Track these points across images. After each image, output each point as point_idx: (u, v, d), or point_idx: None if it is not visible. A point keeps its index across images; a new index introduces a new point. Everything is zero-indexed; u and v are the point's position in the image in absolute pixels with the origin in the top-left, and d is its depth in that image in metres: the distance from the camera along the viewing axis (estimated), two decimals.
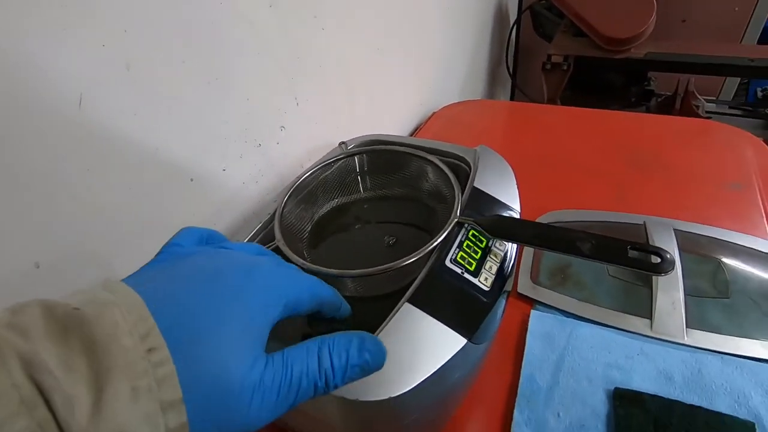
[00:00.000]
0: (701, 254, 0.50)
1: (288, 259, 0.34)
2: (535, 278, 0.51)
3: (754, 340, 0.41)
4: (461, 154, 0.45)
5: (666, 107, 1.16)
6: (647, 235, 0.51)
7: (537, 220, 0.58)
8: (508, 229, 0.34)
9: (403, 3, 0.75)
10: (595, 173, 0.69)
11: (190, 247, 0.23)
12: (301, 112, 0.54)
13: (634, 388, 0.39)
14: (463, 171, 0.44)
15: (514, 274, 0.39)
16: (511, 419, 0.38)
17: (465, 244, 0.34)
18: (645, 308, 0.45)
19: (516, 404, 0.39)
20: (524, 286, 0.50)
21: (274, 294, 0.21)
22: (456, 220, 0.35)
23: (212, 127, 0.42)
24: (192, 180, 0.41)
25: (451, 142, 0.47)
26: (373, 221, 0.46)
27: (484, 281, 0.32)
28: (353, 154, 0.45)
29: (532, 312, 0.47)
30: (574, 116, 0.88)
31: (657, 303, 0.44)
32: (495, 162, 0.44)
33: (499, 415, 0.39)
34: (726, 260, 0.49)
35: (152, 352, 0.16)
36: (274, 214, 0.40)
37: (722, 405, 0.37)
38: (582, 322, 0.45)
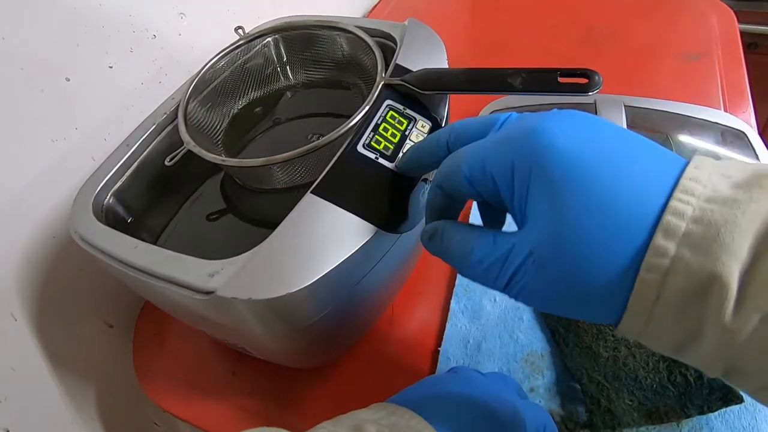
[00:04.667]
0: (650, 129, 0.47)
1: (206, 162, 0.30)
2: None
3: None
4: (386, 30, 0.39)
5: None
6: (596, 112, 0.48)
7: (484, 109, 0.54)
8: (439, 80, 0.31)
9: None
10: (549, 55, 0.64)
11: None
12: None
13: None
14: (389, 49, 0.38)
15: None
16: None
17: (382, 128, 0.30)
18: None
19: (453, 293, 0.38)
20: None
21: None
22: (382, 83, 0.31)
23: (75, 11, 0.34)
24: (68, 79, 0.35)
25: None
26: (295, 116, 0.41)
27: None
28: (253, 39, 0.39)
29: (474, 204, 0.44)
30: None
31: None
32: (424, 36, 0.38)
33: (438, 307, 0.39)
34: (673, 133, 0.46)
35: None
36: (176, 114, 0.35)
37: None
38: None
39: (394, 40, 0.38)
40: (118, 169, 0.32)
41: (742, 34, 0.91)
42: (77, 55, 0.35)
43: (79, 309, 0.40)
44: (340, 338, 0.34)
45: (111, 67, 0.38)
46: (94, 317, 0.42)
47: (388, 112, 0.31)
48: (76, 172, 0.37)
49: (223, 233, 0.35)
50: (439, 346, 0.36)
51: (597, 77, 0.29)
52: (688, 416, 0.30)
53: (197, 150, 0.31)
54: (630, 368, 0.32)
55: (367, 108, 0.30)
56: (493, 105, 0.54)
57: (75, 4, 0.34)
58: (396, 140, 0.30)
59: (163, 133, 0.35)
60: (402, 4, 0.80)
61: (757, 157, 0.43)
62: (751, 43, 0.92)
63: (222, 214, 0.36)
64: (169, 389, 0.38)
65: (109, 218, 0.31)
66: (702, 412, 0.29)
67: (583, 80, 0.29)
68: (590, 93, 0.28)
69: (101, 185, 0.30)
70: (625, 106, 0.48)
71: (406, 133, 0.31)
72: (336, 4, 0.73)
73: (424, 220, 0.26)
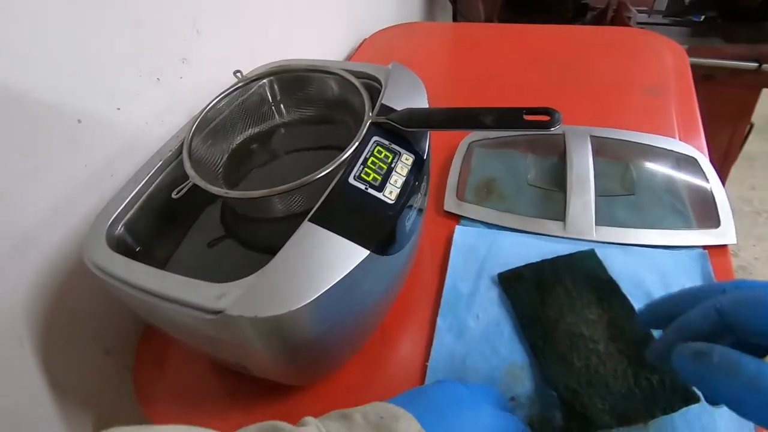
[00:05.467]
0: (613, 157, 0.52)
1: (206, 193, 0.33)
2: (461, 196, 0.52)
3: (654, 230, 0.44)
4: (372, 73, 0.43)
5: (600, 20, 1.16)
6: (565, 143, 0.52)
7: (463, 140, 0.58)
8: (420, 119, 0.36)
9: None
10: (524, 90, 0.69)
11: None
12: (205, 41, 0.50)
13: None
14: (375, 90, 0.42)
15: (427, 191, 0.39)
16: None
17: (370, 161, 0.34)
18: (559, 212, 0.47)
19: (439, 312, 0.41)
20: (450, 203, 0.51)
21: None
22: (369, 122, 0.35)
23: (93, 58, 0.38)
24: (80, 121, 0.38)
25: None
26: (289, 150, 0.45)
27: (389, 195, 0.32)
28: (250, 81, 0.43)
29: (457, 227, 0.48)
30: (508, 33, 0.86)
31: (570, 206, 0.47)
32: (406, 78, 0.42)
33: (426, 323, 0.42)
34: (634, 160, 0.51)
35: None
36: (180, 150, 0.38)
37: (622, 287, 0.40)
38: (503, 231, 0.47)
39: (379, 82, 0.42)
40: (128, 202, 0.34)
41: (699, 67, 0.99)
42: (89, 99, 0.38)
43: (82, 337, 0.42)
44: (336, 354, 0.36)
45: (119, 109, 0.41)
46: (95, 345, 0.43)
47: (375, 147, 0.35)
48: (84, 206, 0.39)
49: (225, 259, 0.37)
50: (428, 361, 0.38)
51: (557, 115, 0.33)
52: (653, 417, 0.33)
53: (202, 184, 0.34)
54: (601, 375, 0.35)
55: (357, 144, 0.34)
56: (473, 136, 0.58)
57: (89, 53, 0.37)
58: (383, 172, 0.33)
59: (169, 168, 0.38)
60: (385, 45, 0.85)
61: (706, 179, 0.48)
62: (707, 75, 1.00)
63: (221, 241, 0.39)
64: (169, 411, 0.39)
65: (120, 248, 0.33)
66: (666, 413, 0.32)
67: (546, 117, 0.33)
68: (551, 129, 0.33)
69: (113, 217, 0.33)
70: (591, 136, 0.53)
71: (392, 165, 0.34)
72: (323, 46, 0.78)
73: (411, 242, 0.30)
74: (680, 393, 0.33)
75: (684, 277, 0.40)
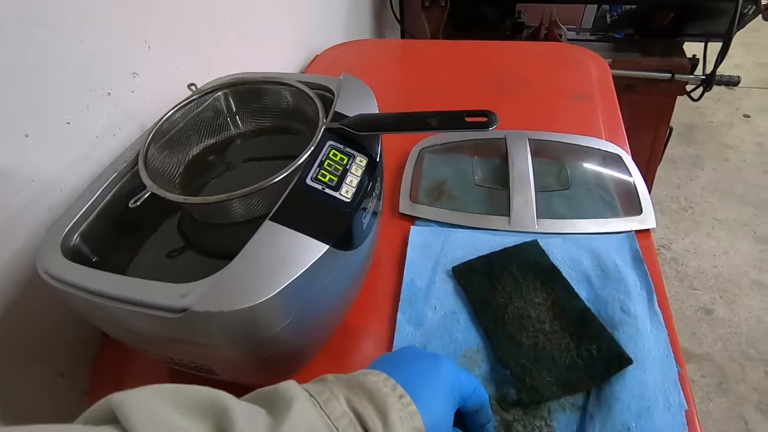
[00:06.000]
0: (549, 157, 0.57)
1: (164, 200, 0.34)
2: (414, 198, 0.55)
3: (588, 220, 0.49)
4: (324, 84, 0.46)
5: (534, 37, 1.25)
6: (506, 146, 0.57)
7: (415, 147, 0.61)
8: (371, 123, 0.38)
9: None
10: (467, 99, 0.74)
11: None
12: (156, 56, 0.50)
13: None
14: (327, 99, 0.45)
15: (382, 193, 0.42)
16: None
17: (326, 164, 0.36)
18: (504, 208, 0.51)
19: (399, 306, 0.43)
20: (405, 206, 0.54)
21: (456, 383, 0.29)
22: (324, 127, 0.37)
23: (41, 73, 0.38)
24: (27, 136, 0.37)
25: None
26: (245, 159, 0.46)
27: (345, 194, 0.34)
28: (205, 94, 0.44)
29: (412, 228, 0.51)
30: (451, 49, 0.92)
31: (513, 202, 0.51)
32: (357, 87, 0.45)
33: (387, 317, 0.43)
34: (568, 159, 0.57)
35: (402, 398, 0.25)
36: (136, 161, 0.38)
37: (563, 271, 0.44)
38: (455, 229, 0.50)
39: (331, 92, 0.45)
40: (83, 212, 0.34)
41: (621, 78, 1.10)
42: (37, 113, 0.38)
43: (31, 359, 0.40)
44: (301, 350, 0.37)
45: (68, 123, 0.41)
46: (46, 367, 0.42)
47: (330, 150, 0.37)
48: (31, 223, 0.39)
49: (184, 268, 0.38)
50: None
51: (494, 116, 0.37)
52: (595, 384, 0.36)
53: (161, 192, 0.34)
54: (548, 351, 0.38)
55: (312, 148, 0.36)
56: (423, 143, 0.62)
57: (37, 68, 0.37)
58: (339, 173, 0.36)
59: (124, 180, 0.38)
60: (336, 60, 0.88)
61: (630, 174, 0.54)
62: (628, 85, 1.11)
63: (181, 252, 0.39)
64: None
65: (75, 258, 0.33)
66: (605, 378, 0.36)
67: (484, 119, 0.37)
68: (490, 128, 0.36)
69: (68, 228, 0.33)
70: (529, 139, 0.58)
71: (347, 167, 0.36)
72: (277, 60, 0.80)
73: (368, 240, 0.32)
74: (615, 358, 0.36)
75: (616, 257, 0.45)
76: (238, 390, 0.38)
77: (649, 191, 0.52)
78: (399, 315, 0.43)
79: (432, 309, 0.43)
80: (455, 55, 0.89)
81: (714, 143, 1.89)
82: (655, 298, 0.41)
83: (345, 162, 0.37)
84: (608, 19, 1.25)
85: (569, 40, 1.29)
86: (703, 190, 1.70)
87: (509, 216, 0.50)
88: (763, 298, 1.34)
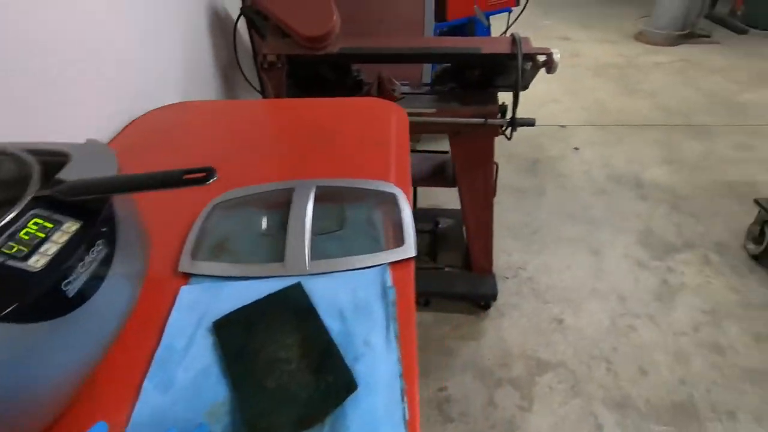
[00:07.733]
0: (332, 201, 0.61)
1: None
2: (195, 255, 0.54)
3: (354, 256, 0.53)
4: (60, 150, 0.45)
5: (370, 93, 1.38)
6: (291, 195, 0.60)
7: (210, 202, 0.62)
8: (84, 188, 0.38)
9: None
10: (280, 153, 0.78)
11: None
12: None
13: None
14: (58, 166, 0.44)
15: (114, 254, 0.41)
16: None
17: (22, 233, 0.34)
18: (281, 253, 0.53)
19: (148, 373, 0.41)
20: (185, 264, 0.53)
21: None
22: (32, 196, 0.36)
23: None
24: None
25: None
26: None
27: (35, 263, 0.33)
28: None
29: (182, 287, 0.50)
30: (277, 108, 0.97)
31: (287, 247, 0.53)
32: (98, 152, 0.45)
33: (135, 386, 0.41)
34: (348, 202, 0.61)
35: None
36: None
37: (321, 308, 0.46)
38: (227, 282, 0.50)
39: (68, 157, 0.44)
40: None
41: (448, 125, 1.24)
42: None
43: None
44: None
45: None
46: None
47: (31, 219, 0.35)
48: None
49: None
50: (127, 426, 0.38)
51: (212, 171, 0.38)
52: (329, 413, 0.37)
53: None
54: (291, 390, 0.39)
55: (6, 220, 0.34)
56: (217, 199, 0.62)
57: None
58: (34, 243, 0.34)
59: None
60: (156, 123, 0.88)
61: (400, 210, 0.59)
62: (455, 132, 1.26)
63: None
64: None
65: None
66: (336, 406, 0.37)
67: (203, 174, 0.38)
68: (208, 182, 0.38)
69: None
70: (317, 186, 0.62)
71: (49, 235, 0.35)
72: (85, 126, 0.77)
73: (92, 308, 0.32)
74: (344, 385, 0.38)
75: (370, 289, 0.48)
76: None
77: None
78: (146, 382, 0.41)
79: (185, 370, 0.42)
80: (281, 113, 0.94)
81: (552, 173, 2.18)
82: (393, 325, 0.44)
83: (48, 229, 0.35)
84: (431, 75, 1.42)
85: (404, 93, 1.44)
86: (548, 214, 1.94)
87: (284, 261, 0.52)
88: (600, 302, 1.53)
